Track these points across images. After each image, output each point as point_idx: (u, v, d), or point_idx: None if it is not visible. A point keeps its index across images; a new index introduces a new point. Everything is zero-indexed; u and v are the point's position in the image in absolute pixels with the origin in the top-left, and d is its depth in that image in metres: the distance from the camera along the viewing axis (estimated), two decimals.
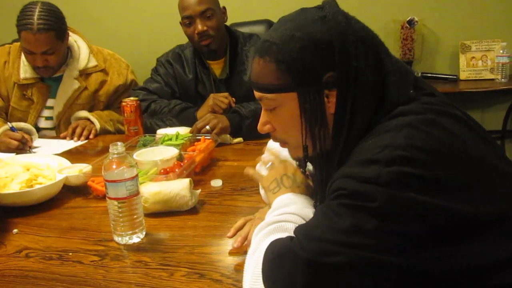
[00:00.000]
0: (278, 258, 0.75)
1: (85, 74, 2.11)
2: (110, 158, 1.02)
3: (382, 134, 0.78)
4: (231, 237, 1.03)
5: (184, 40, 2.06)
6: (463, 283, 0.72)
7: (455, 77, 2.95)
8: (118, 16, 3.29)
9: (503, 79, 2.88)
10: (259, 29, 2.60)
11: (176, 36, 2.29)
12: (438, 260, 0.71)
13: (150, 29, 3.25)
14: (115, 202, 1.03)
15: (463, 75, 2.97)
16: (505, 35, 2.91)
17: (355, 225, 0.70)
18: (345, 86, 0.82)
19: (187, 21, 1.91)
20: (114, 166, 1.02)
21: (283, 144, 0.96)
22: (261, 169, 1.13)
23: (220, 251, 1.01)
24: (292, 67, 0.83)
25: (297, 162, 1.05)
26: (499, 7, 2.93)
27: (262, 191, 1.20)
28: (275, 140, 0.97)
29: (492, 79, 2.93)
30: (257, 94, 0.90)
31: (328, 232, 0.72)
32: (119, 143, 1.02)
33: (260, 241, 0.84)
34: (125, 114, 1.84)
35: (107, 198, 1.04)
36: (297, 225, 0.85)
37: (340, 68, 0.81)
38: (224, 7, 2.02)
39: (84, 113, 2.10)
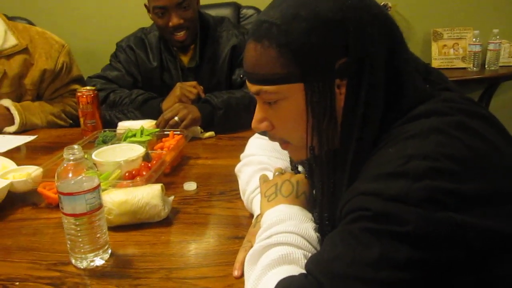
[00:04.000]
0: None
1: (4, 56, 1.80)
2: (65, 164, 0.83)
3: (405, 141, 0.64)
4: (239, 276, 0.81)
5: (147, 21, 1.84)
6: None
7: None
8: None
9: (474, 68, 2.84)
10: (226, 12, 2.41)
11: (137, 18, 2.08)
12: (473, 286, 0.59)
13: (107, 8, 2.99)
14: (72, 219, 0.84)
15: (435, 64, 2.90)
16: (477, 23, 2.86)
17: (384, 256, 0.57)
18: (359, 74, 0.68)
19: (160, 11, 1.69)
20: (70, 175, 0.83)
21: (284, 144, 0.80)
22: (268, 174, 0.97)
23: (203, 275, 0.84)
24: (298, 52, 0.68)
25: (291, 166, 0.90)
26: None
27: (245, 197, 1.04)
28: (274, 139, 0.81)
29: (464, 68, 2.88)
30: (253, 87, 0.74)
31: (353, 267, 0.57)
32: (75, 146, 0.83)
33: (261, 275, 0.68)
34: (81, 106, 1.61)
35: (62, 214, 0.85)
36: (303, 251, 0.70)
37: (354, 52, 0.67)
38: None
39: (6, 102, 1.81)
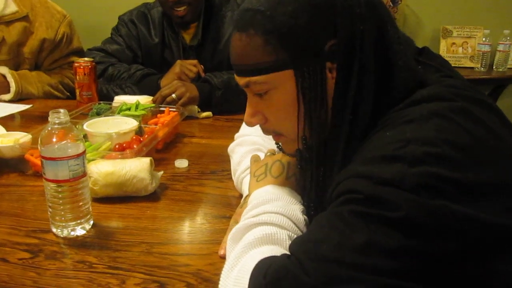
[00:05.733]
0: (273, 283, 0.57)
1: (3, 23, 1.77)
2: (49, 128, 0.80)
3: (404, 125, 0.61)
4: (224, 255, 0.77)
5: None
6: None
7: None
8: None
9: (482, 68, 2.80)
10: None
11: None
12: (466, 283, 0.56)
13: None
14: (54, 186, 0.81)
15: None
16: (488, 22, 2.82)
17: (372, 241, 0.53)
18: (350, 55, 0.65)
19: None
20: (54, 140, 0.80)
21: (278, 137, 0.77)
22: (261, 155, 0.94)
23: (185, 251, 0.82)
24: (285, 37, 0.65)
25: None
26: None
27: (235, 177, 1.01)
28: (267, 133, 0.77)
29: (472, 68, 2.84)
30: (242, 80, 0.71)
31: (338, 250, 0.54)
32: (61, 110, 0.80)
33: (242, 253, 0.65)
34: (77, 77, 1.59)
35: (44, 180, 0.82)
36: (288, 232, 0.68)
37: (343, 33, 0.64)
38: None
39: (3, 69, 1.78)
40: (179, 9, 1.67)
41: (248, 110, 0.76)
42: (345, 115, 0.67)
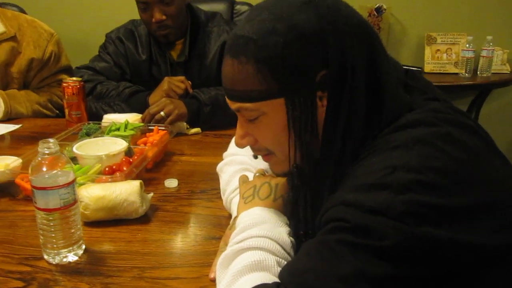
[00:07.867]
0: None
1: None
2: (39, 158, 0.81)
3: (390, 151, 0.63)
4: (215, 279, 0.76)
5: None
6: None
7: (419, 69, 2.87)
8: None
9: (466, 74, 2.84)
10: (220, 7, 2.39)
11: (131, 10, 2.05)
12: None
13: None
14: (45, 214, 0.82)
15: (427, 68, 2.90)
16: (471, 29, 2.86)
17: (359, 271, 0.55)
18: (341, 86, 0.67)
19: (142, 6, 1.67)
20: (44, 169, 0.81)
21: (268, 157, 0.79)
22: (249, 174, 0.96)
23: (176, 275, 0.83)
24: (276, 67, 0.67)
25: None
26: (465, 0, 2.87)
27: (224, 197, 1.03)
28: (258, 152, 0.80)
29: (456, 74, 2.88)
30: (233, 104, 0.73)
31: (326, 280, 0.56)
32: (51, 140, 0.81)
33: (232, 281, 0.67)
34: (66, 97, 1.59)
35: (35, 208, 0.83)
36: (276, 257, 0.69)
37: (334, 64, 0.66)
38: None
39: None
40: (163, 32, 1.69)
41: (238, 131, 0.78)
42: (335, 142, 0.69)
